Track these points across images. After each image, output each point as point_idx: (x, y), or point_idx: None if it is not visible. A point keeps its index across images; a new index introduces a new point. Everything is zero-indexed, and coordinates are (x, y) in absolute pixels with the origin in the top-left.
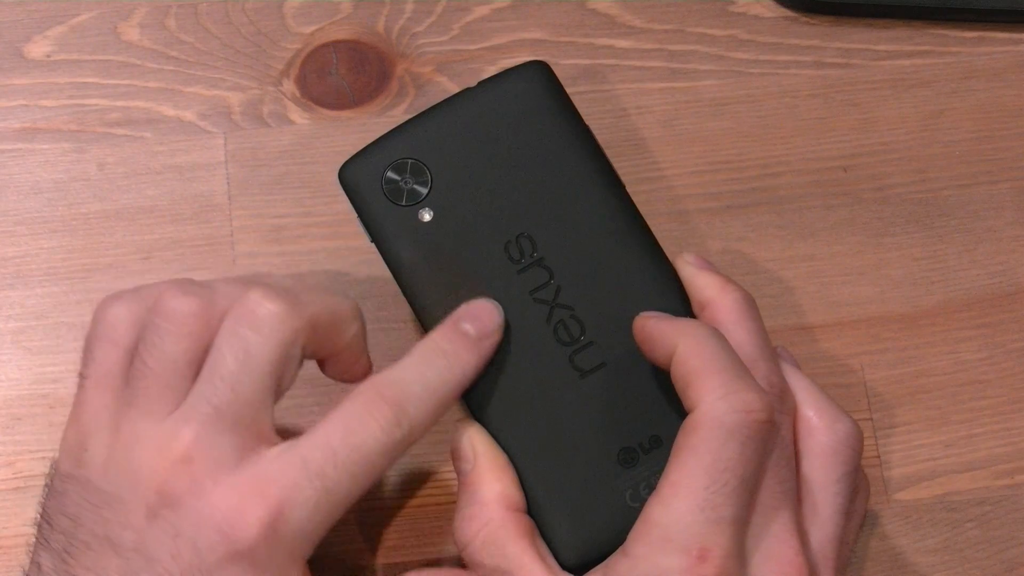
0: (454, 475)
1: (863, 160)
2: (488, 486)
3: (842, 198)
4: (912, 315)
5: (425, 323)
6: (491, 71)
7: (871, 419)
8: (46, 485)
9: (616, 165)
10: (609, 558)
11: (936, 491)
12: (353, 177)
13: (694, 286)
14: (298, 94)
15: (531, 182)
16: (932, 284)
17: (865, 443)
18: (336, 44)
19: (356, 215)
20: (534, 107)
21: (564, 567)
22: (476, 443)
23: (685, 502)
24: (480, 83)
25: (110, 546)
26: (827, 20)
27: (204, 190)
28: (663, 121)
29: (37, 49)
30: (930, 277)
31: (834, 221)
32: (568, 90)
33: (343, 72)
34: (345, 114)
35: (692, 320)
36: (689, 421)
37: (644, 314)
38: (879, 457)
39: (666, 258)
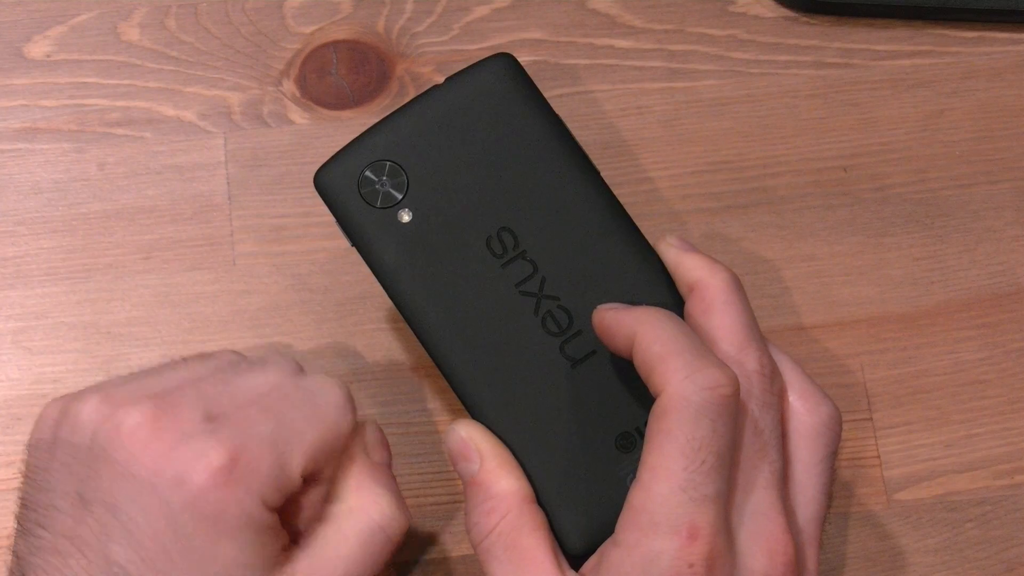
0: (454, 474)
1: (863, 160)
2: (504, 480)
3: (842, 198)
4: (912, 315)
5: (413, 324)
6: None
7: (871, 419)
8: (23, 473)
9: (616, 165)
10: (601, 547)
11: (936, 491)
12: (329, 182)
13: (681, 268)
14: (298, 94)
15: (508, 175)
16: (932, 284)
17: (865, 443)
18: (336, 44)
19: (335, 220)
20: (504, 100)
21: (571, 554)
22: (479, 442)
23: (666, 485)
24: (448, 79)
25: (81, 503)
26: (827, 20)
27: (204, 190)
28: (663, 121)
29: (37, 49)
30: (930, 277)
31: (834, 221)
32: (567, 90)
33: (343, 72)
34: (345, 114)
35: (646, 307)
36: (658, 405)
37: (601, 307)
38: (879, 457)
39: (646, 242)
